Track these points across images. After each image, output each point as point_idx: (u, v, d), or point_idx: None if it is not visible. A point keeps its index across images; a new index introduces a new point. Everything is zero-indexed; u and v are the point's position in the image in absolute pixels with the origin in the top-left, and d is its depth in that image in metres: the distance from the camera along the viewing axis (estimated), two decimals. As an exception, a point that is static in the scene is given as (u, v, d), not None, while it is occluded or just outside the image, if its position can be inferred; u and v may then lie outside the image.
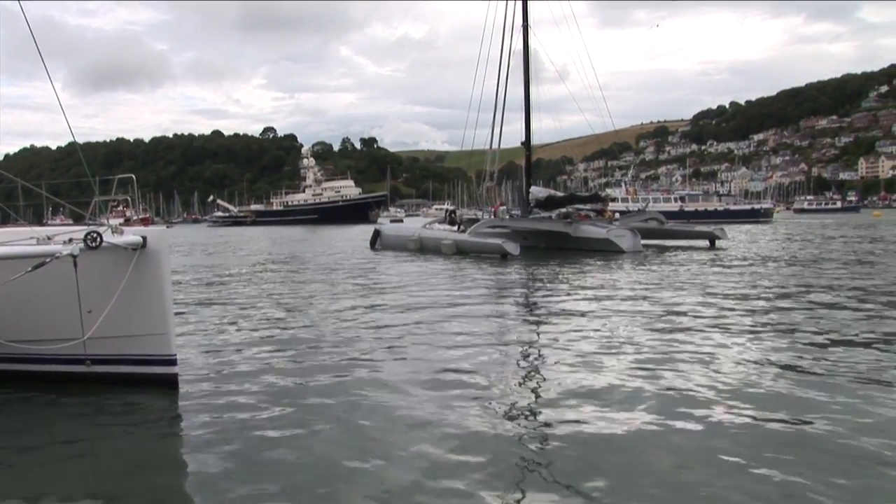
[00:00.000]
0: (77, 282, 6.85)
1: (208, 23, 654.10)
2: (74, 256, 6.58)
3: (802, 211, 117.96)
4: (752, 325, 10.63)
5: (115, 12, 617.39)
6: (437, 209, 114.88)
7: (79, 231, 6.98)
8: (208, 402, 7.04)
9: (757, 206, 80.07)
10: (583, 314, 12.04)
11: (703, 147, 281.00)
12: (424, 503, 4.65)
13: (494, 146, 33.52)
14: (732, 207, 78.21)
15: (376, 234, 35.81)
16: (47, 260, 6.59)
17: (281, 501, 4.74)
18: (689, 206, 70.67)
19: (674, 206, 65.34)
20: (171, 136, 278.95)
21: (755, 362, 8.16)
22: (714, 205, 77.81)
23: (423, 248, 30.92)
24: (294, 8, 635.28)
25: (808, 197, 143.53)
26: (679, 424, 6.00)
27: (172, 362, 7.51)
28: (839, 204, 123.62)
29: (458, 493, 4.75)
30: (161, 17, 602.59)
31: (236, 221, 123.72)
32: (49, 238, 7.09)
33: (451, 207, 43.41)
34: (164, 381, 7.46)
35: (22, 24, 7.39)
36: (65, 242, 6.85)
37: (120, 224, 7.56)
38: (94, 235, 6.64)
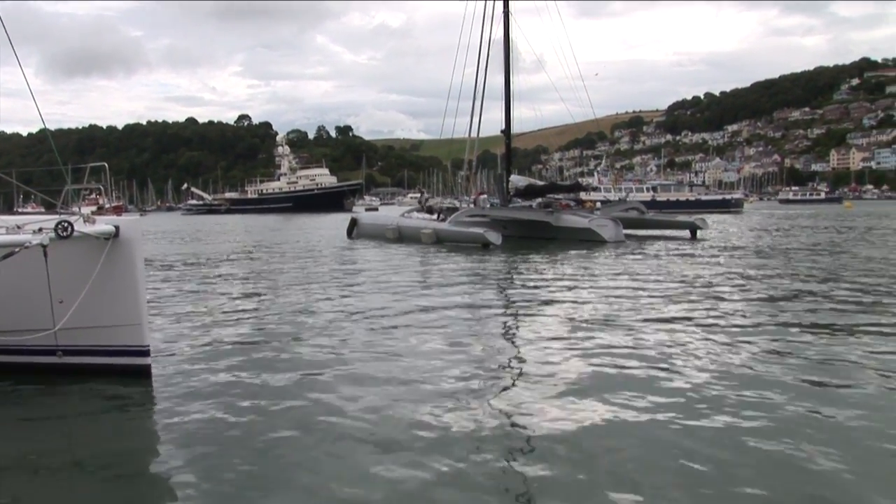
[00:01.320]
0: (47, 272, 6.68)
1: (184, 10, 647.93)
2: (44, 246, 6.41)
3: (788, 201, 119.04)
4: (739, 314, 10.66)
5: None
6: (412, 198, 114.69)
7: (49, 220, 6.82)
8: (181, 393, 6.96)
9: (728, 197, 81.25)
10: (569, 305, 11.97)
11: (677, 137, 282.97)
12: (403, 493, 4.60)
13: (473, 134, 33.39)
14: (704, 197, 79.02)
15: (353, 222, 35.46)
16: (16, 250, 6.43)
17: (252, 493, 4.67)
18: (661, 196, 71.28)
19: (646, 196, 65.62)
20: (144, 123, 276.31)
21: (741, 352, 8.15)
22: (686, 195, 78.40)
23: (402, 238, 30.62)
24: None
25: (794, 188, 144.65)
26: (672, 419, 5.96)
27: (145, 353, 7.43)
28: (823, 195, 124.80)
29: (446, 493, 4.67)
30: (135, 3, 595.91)
31: (211, 209, 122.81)
32: (19, 227, 6.90)
33: (427, 195, 43.14)
34: (138, 372, 7.38)
35: None
36: (34, 232, 6.67)
37: (92, 213, 7.39)
38: (65, 225, 6.48)
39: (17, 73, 8.13)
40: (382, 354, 8.37)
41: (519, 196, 32.52)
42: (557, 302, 12.44)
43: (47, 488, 4.96)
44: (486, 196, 37.15)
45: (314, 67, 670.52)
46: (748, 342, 8.74)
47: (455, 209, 31.86)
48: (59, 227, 6.45)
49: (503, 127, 33.39)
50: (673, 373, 7.37)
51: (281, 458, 5.20)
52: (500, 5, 33.02)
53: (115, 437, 5.95)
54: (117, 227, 7.06)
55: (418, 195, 45.02)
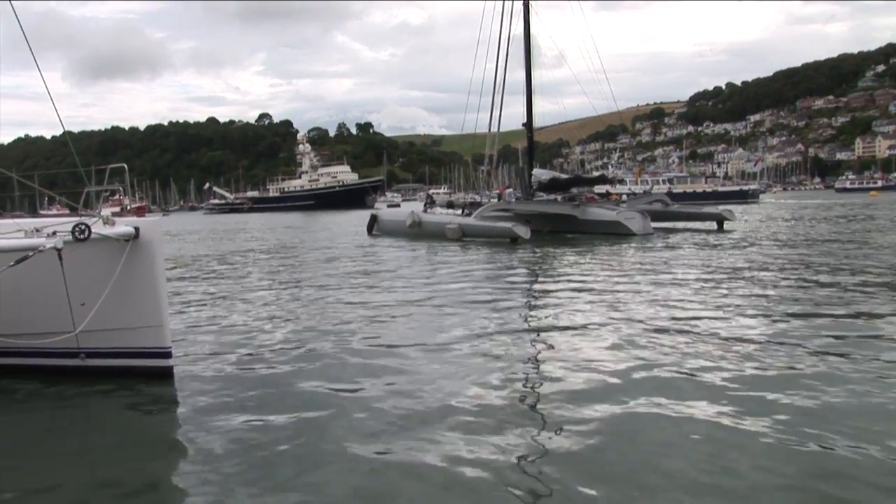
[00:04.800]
0: (64, 275, 6.64)
1: (207, 11, 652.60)
2: (58, 249, 6.35)
3: (845, 190, 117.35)
4: (777, 308, 10.46)
5: (109, 2, 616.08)
6: (433, 193, 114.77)
7: (67, 223, 6.78)
8: (204, 394, 6.93)
9: (745, 188, 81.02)
10: (614, 297, 11.87)
11: (699, 128, 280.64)
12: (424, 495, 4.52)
13: (494, 129, 33.09)
14: (721, 188, 79.06)
15: (373, 219, 35.26)
16: (30, 254, 6.39)
17: (275, 494, 4.61)
18: (678, 188, 71.17)
19: (662, 188, 65.33)
20: (166, 123, 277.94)
21: (778, 346, 7.94)
22: (702, 186, 78.74)
23: (426, 234, 30.21)
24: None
25: (851, 176, 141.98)
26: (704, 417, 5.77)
27: (167, 354, 7.44)
28: (880, 183, 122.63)
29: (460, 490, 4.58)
30: (158, 5, 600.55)
31: (233, 209, 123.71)
32: (37, 230, 6.86)
33: (447, 191, 42.99)
34: (160, 374, 7.39)
35: (21, 15, 7.28)
36: (48, 235, 6.64)
37: (112, 214, 7.34)
38: (83, 227, 6.43)
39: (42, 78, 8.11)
40: (415, 357, 8.09)
41: (542, 190, 32.17)
42: (604, 294, 12.30)
43: (66, 489, 4.93)
44: (511, 190, 36.82)
45: (336, 65, 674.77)
46: (797, 337, 8.52)
47: (478, 204, 31.57)
48: (77, 229, 6.41)
49: (524, 121, 33.12)
50: (725, 365, 7.24)
51: (306, 464, 5.09)
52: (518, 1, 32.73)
53: (137, 440, 5.93)
54: (137, 229, 7.03)
55: (439, 191, 44.90)
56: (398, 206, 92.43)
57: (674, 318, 9.83)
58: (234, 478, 4.88)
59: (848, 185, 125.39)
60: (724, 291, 12.26)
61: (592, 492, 4.48)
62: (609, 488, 4.49)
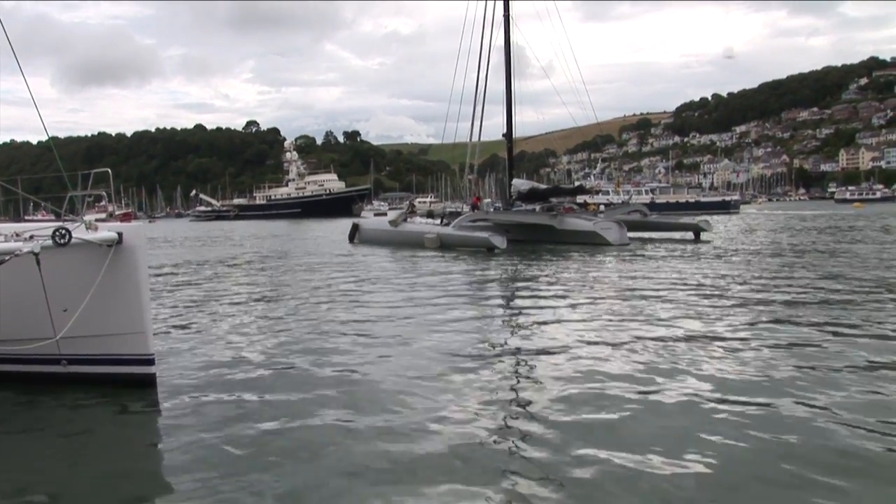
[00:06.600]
0: (42, 280, 6.52)
1: (197, 18, 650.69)
2: (36, 254, 6.22)
3: (844, 201, 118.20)
4: (749, 315, 10.72)
5: (98, 7, 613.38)
6: (420, 202, 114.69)
7: (48, 227, 6.67)
8: (187, 402, 6.90)
9: (726, 198, 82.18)
10: (582, 308, 11.98)
11: (685, 139, 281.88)
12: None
13: (475, 139, 33.30)
14: (702, 199, 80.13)
15: (355, 228, 35.40)
16: (6, 258, 6.28)
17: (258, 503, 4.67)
18: (660, 199, 72.00)
19: (644, 199, 65.96)
20: (153, 130, 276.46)
21: (753, 357, 8.13)
22: (684, 197, 79.80)
23: (405, 243, 30.31)
24: (285, 7, 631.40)
25: (851, 187, 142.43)
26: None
27: (150, 362, 7.32)
28: (878, 194, 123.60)
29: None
30: (148, 11, 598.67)
31: (219, 216, 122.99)
32: (18, 235, 6.84)
33: (433, 200, 43.12)
34: (142, 381, 7.28)
35: (10, 19, 7.25)
36: (25, 240, 6.55)
37: (96, 220, 7.35)
38: (63, 232, 6.29)
39: (29, 82, 8.13)
40: (394, 367, 8.05)
41: (522, 200, 32.40)
42: (570, 305, 12.39)
43: (46, 497, 4.96)
44: (489, 200, 37.07)
45: (325, 74, 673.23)
46: (764, 343, 8.78)
47: (457, 213, 31.82)
48: (57, 233, 6.26)
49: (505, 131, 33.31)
50: (695, 372, 7.44)
51: (290, 475, 5.08)
52: (500, 8, 32.87)
53: (118, 448, 5.95)
54: (120, 234, 6.94)
55: (426, 199, 44.98)
56: (385, 214, 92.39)
57: (646, 329, 9.98)
58: (217, 487, 4.87)
59: (847, 195, 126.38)
60: (697, 299, 12.49)
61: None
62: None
